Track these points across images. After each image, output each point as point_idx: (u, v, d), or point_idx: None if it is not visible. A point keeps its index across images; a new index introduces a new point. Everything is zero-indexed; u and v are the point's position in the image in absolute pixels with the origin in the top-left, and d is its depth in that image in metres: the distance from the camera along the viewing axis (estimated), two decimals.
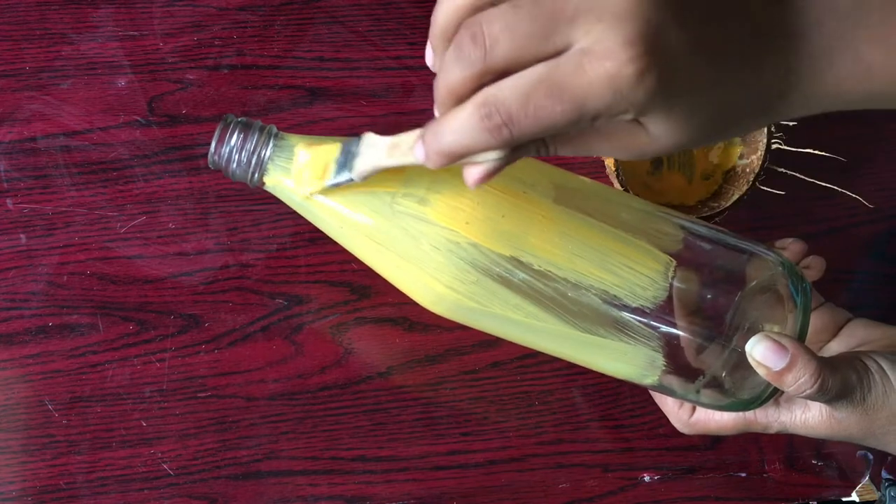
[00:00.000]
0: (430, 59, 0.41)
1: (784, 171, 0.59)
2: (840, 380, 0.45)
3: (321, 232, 0.60)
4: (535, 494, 0.60)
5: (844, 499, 0.62)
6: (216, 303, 0.60)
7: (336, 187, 0.45)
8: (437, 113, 0.37)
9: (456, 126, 0.36)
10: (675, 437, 0.59)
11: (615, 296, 0.45)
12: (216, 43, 0.61)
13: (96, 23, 0.61)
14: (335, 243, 0.60)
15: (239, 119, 0.46)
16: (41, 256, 0.59)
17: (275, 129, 0.46)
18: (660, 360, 0.46)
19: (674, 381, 0.47)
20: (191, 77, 0.61)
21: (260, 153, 0.45)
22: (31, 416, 0.58)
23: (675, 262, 0.46)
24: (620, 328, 0.46)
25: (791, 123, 0.59)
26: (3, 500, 0.58)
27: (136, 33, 0.61)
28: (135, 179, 0.60)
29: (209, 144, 0.45)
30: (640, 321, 0.46)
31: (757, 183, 0.58)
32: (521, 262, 0.45)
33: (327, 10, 0.62)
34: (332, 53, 0.62)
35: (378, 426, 0.60)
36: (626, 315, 0.46)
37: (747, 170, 0.59)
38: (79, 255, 0.59)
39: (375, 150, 0.43)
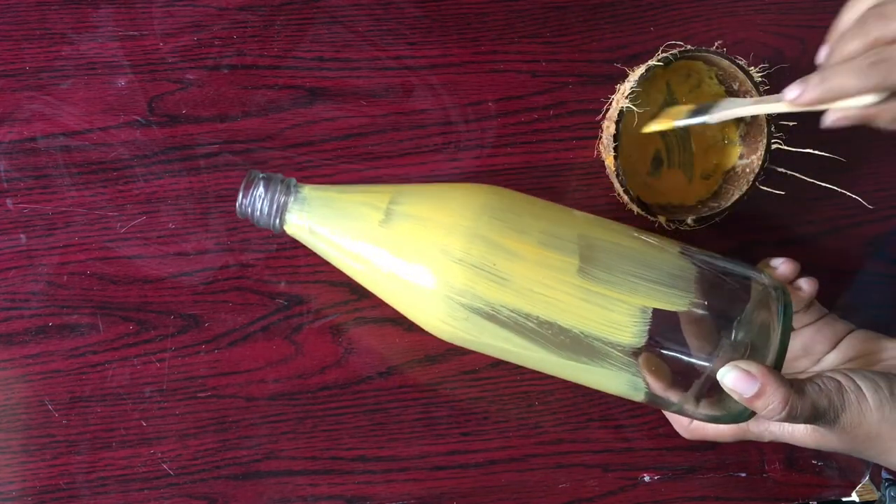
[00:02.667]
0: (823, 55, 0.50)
1: (784, 171, 0.59)
2: (809, 404, 0.47)
3: None
4: (535, 494, 0.60)
5: (844, 499, 0.62)
6: (216, 303, 0.60)
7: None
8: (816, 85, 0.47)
9: (845, 69, 0.46)
10: (676, 438, 0.59)
11: (597, 336, 0.49)
12: (216, 43, 0.61)
13: (96, 23, 0.61)
14: None
15: (262, 175, 0.53)
16: (41, 256, 0.59)
17: (293, 182, 0.53)
18: (641, 384, 0.49)
19: (661, 396, 0.50)
20: (191, 77, 0.61)
21: (279, 202, 0.52)
22: (31, 416, 0.58)
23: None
24: (602, 357, 0.49)
25: (791, 123, 0.59)
26: (3, 500, 0.58)
27: (136, 33, 0.61)
28: (135, 179, 0.60)
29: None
30: (619, 353, 0.49)
31: (757, 183, 0.58)
32: (504, 306, 0.49)
33: (327, 10, 0.62)
34: (332, 53, 0.62)
35: (378, 426, 0.60)
36: (607, 348, 0.49)
37: (747, 170, 0.59)
38: (79, 255, 0.59)
39: (737, 102, 0.55)
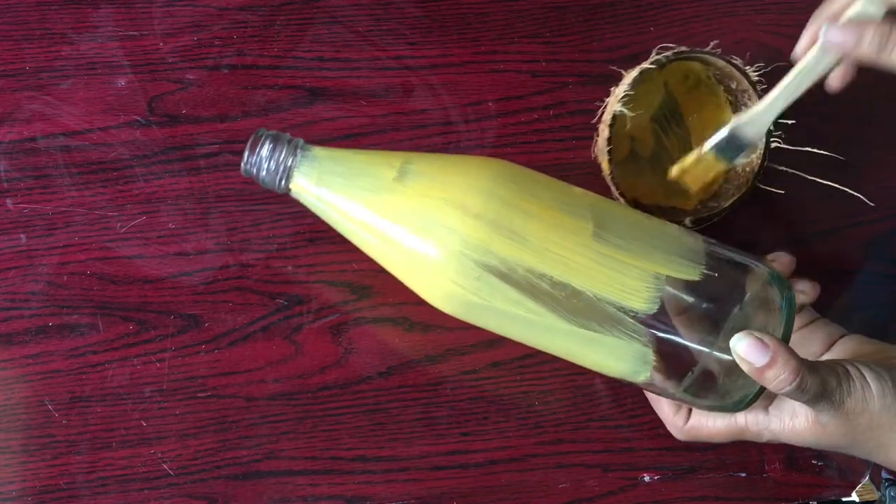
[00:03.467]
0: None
1: (784, 168, 0.59)
2: (819, 381, 0.46)
3: (321, 232, 0.60)
4: (535, 494, 0.60)
5: (844, 499, 0.62)
6: (216, 303, 0.60)
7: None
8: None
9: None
10: (675, 438, 0.59)
11: (610, 300, 0.48)
12: (216, 43, 0.61)
13: (96, 23, 0.61)
14: (335, 243, 0.60)
15: (269, 132, 0.51)
16: (41, 256, 0.59)
17: (301, 142, 0.52)
18: (650, 356, 0.49)
19: (663, 379, 0.50)
20: (191, 77, 0.61)
21: (287, 162, 0.51)
22: (31, 416, 0.58)
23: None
24: (614, 324, 0.48)
25: (790, 122, 0.59)
26: (3, 500, 0.58)
27: (136, 33, 0.61)
28: (135, 179, 0.60)
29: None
30: (631, 320, 0.48)
31: (757, 182, 0.58)
32: (519, 265, 0.48)
33: (327, 10, 0.62)
34: (332, 53, 0.62)
35: (378, 426, 0.60)
36: (620, 314, 0.48)
37: (747, 169, 0.59)
38: (79, 255, 0.59)
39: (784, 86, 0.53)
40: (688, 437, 0.55)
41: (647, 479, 0.61)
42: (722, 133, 0.55)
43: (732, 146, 0.55)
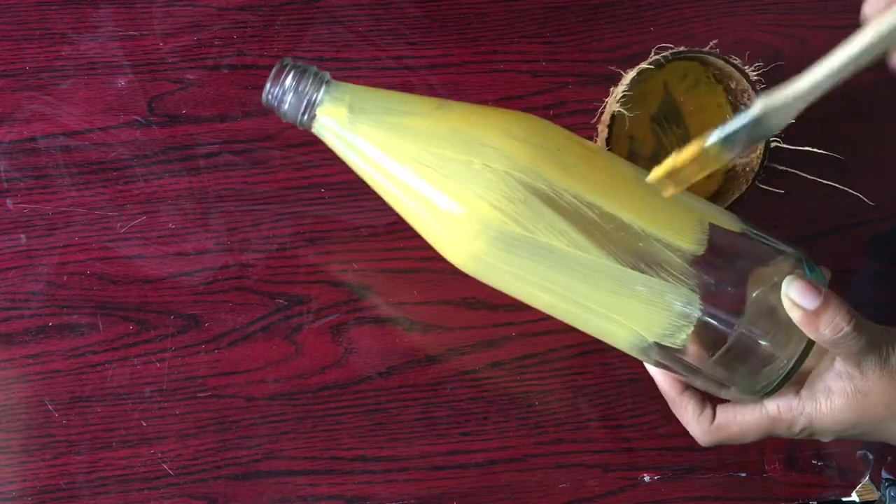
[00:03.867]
0: None
1: (784, 168, 0.59)
2: (868, 329, 0.46)
3: (321, 232, 0.60)
4: (535, 494, 0.60)
5: (844, 499, 0.62)
6: (216, 303, 0.60)
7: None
8: None
9: None
10: (675, 438, 0.59)
11: (658, 237, 0.47)
12: (216, 43, 0.61)
13: (96, 23, 0.61)
14: (335, 243, 0.60)
15: (296, 63, 0.48)
16: (41, 256, 0.59)
17: (327, 76, 0.49)
18: (696, 303, 0.47)
19: (697, 348, 0.47)
20: (191, 77, 0.61)
21: (311, 96, 0.48)
22: (31, 416, 0.58)
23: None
24: (661, 265, 0.46)
25: (791, 122, 0.59)
26: (3, 500, 0.58)
27: (136, 33, 0.61)
28: (135, 179, 0.60)
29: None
30: (679, 260, 0.47)
31: (757, 182, 0.58)
32: (567, 190, 0.46)
33: (327, 10, 0.62)
34: (332, 53, 0.62)
35: (378, 426, 0.60)
36: (668, 252, 0.47)
37: (747, 169, 0.59)
38: (79, 255, 0.59)
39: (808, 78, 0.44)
40: (715, 439, 0.52)
41: (647, 479, 0.61)
42: (743, 119, 0.46)
43: (752, 135, 0.46)
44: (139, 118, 0.61)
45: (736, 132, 0.46)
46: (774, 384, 0.48)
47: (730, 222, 0.50)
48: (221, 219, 0.60)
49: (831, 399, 0.48)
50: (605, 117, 0.58)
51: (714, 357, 0.48)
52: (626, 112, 0.57)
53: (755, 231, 0.50)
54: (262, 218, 0.60)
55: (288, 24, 0.62)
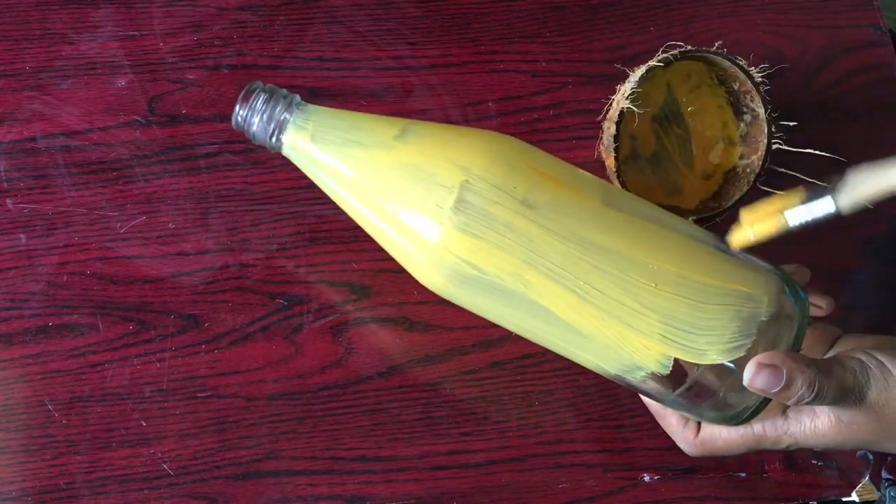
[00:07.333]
0: None
1: (784, 170, 0.59)
2: (836, 384, 0.46)
3: (321, 232, 0.60)
4: (535, 494, 0.60)
5: (844, 499, 0.62)
6: (216, 303, 0.60)
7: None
8: None
9: None
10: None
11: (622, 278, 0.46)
12: (216, 43, 0.61)
13: (96, 23, 0.61)
14: (335, 243, 0.60)
15: (265, 87, 0.48)
16: (41, 256, 0.59)
17: (297, 98, 0.49)
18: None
19: (657, 382, 0.48)
20: (191, 77, 0.61)
21: (280, 116, 0.48)
22: (31, 416, 0.58)
23: None
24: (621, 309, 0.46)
25: (791, 124, 0.59)
26: (3, 500, 0.58)
27: (136, 33, 0.61)
28: (135, 179, 0.60)
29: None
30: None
31: (757, 183, 0.58)
32: (524, 233, 0.46)
33: (327, 10, 0.62)
34: (332, 53, 0.62)
35: (378, 426, 0.60)
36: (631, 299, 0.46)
37: (748, 170, 0.59)
38: (79, 255, 0.59)
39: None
40: (700, 452, 0.53)
41: (647, 479, 0.61)
42: (824, 210, 0.47)
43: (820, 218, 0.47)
44: (139, 118, 0.61)
45: (815, 220, 0.47)
46: (745, 416, 0.48)
47: (708, 236, 0.49)
48: (221, 219, 0.60)
49: (815, 422, 0.49)
50: (613, 114, 0.58)
51: (676, 393, 0.48)
52: (635, 108, 0.57)
53: (734, 254, 0.49)
54: (262, 218, 0.60)
55: (288, 24, 0.62)
